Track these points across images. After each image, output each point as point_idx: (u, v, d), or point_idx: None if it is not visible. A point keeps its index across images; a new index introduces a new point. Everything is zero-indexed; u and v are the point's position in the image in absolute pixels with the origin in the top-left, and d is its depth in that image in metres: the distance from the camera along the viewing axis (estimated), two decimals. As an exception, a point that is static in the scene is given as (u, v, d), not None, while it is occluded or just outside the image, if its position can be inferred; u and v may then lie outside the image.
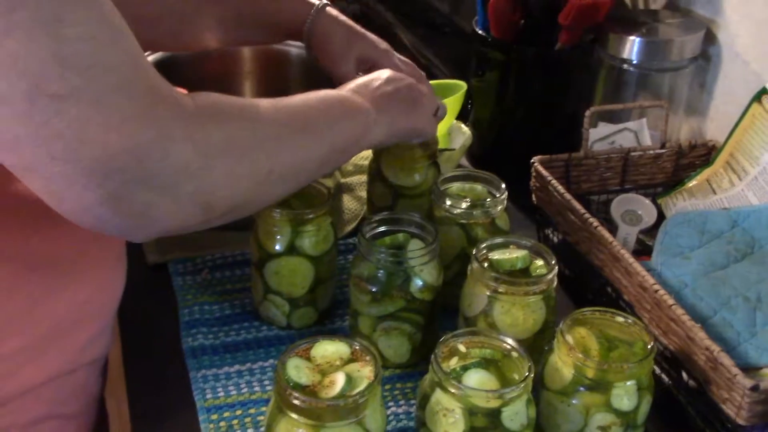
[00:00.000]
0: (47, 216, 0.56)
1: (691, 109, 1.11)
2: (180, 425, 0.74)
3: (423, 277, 0.77)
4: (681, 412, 0.75)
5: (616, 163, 0.99)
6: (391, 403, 0.77)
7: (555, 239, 0.95)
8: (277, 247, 0.81)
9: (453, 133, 1.19)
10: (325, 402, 0.57)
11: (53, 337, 0.70)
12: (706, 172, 1.00)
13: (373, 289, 0.76)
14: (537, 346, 0.73)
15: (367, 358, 0.61)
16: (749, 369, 0.74)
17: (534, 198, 0.97)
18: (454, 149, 1.11)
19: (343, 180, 1.12)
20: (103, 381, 0.84)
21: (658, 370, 0.77)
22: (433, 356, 0.62)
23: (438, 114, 0.86)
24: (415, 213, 0.81)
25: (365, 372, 0.60)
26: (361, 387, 0.58)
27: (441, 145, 1.12)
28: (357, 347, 0.63)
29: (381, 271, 0.76)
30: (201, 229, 0.61)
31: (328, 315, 0.87)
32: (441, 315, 0.81)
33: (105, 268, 0.78)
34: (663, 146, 1.00)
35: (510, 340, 0.64)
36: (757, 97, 0.93)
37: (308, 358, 0.62)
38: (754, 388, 0.63)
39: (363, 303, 0.78)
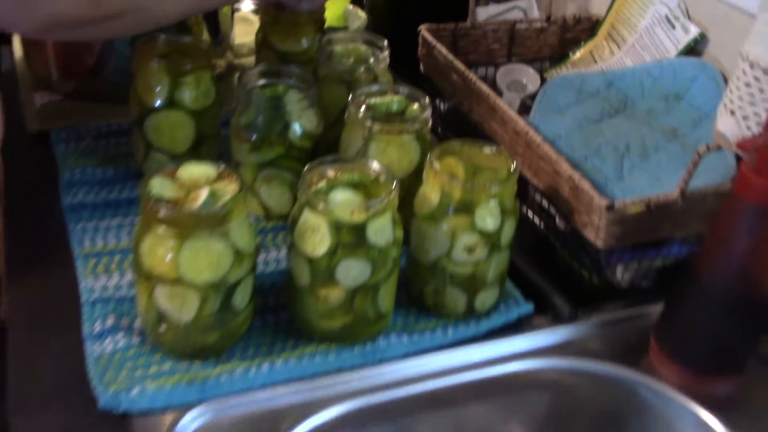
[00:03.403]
0: None
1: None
2: (57, 270, 0.74)
3: (302, 123, 0.77)
4: (554, 254, 0.78)
5: (503, 35, 1.01)
6: (273, 250, 0.78)
7: (442, 107, 0.97)
8: (157, 101, 0.80)
9: (349, 17, 1.20)
10: (188, 211, 0.58)
11: None
12: (590, 45, 1.03)
13: (252, 137, 0.77)
14: (412, 189, 0.74)
15: (233, 177, 0.62)
16: (615, 207, 0.78)
17: (422, 67, 0.98)
18: (347, 30, 1.11)
19: (236, 61, 1.11)
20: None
21: (531, 216, 0.80)
22: (301, 179, 0.63)
23: None
24: (295, 66, 0.81)
25: (230, 189, 0.61)
26: (224, 199, 0.59)
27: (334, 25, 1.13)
28: (223, 169, 0.63)
29: (260, 118, 0.76)
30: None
31: (214, 175, 0.86)
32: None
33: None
34: (548, 19, 1.02)
35: (377, 165, 0.66)
36: (635, -35, 0.96)
37: (174, 178, 0.62)
38: (610, 207, 0.67)
39: (243, 151, 0.78)
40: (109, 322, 0.66)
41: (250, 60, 1.09)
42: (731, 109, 0.68)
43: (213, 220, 0.58)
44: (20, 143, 0.92)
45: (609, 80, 0.92)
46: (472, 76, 0.85)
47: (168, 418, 0.60)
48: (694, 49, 0.92)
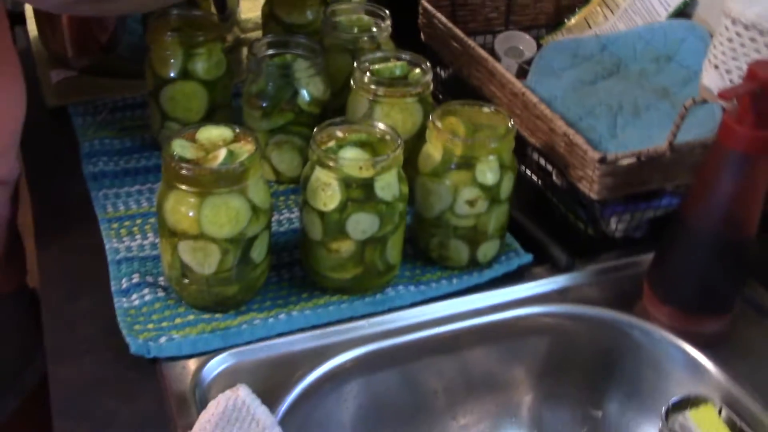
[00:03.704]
0: None
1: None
2: (83, 234, 0.78)
3: (310, 90, 0.81)
4: (551, 209, 0.83)
5: (501, 3, 1.05)
6: (285, 211, 0.82)
7: (443, 75, 1.01)
8: (171, 73, 0.84)
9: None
10: (209, 169, 0.62)
11: None
12: (585, 11, 1.06)
13: (263, 104, 0.81)
14: (415, 150, 0.78)
15: (249, 138, 0.66)
16: (608, 163, 0.82)
17: (423, 36, 1.02)
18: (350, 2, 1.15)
19: (243, 35, 1.15)
20: (14, 209, 0.87)
21: (529, 174, 0.85)
22: (311, 139, 0.67)
23: None
24: (301, 36, 0.85)
25: (246, 149, 0.65)
26: (242, 158, 0.63)
27: None
28: (239, 131, 0.67)
29: (270, 86, 0.80)
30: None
31: (226, 143, 0.91)
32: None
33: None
34: (544, -14, 1.06)
35: (383, 125, 0.70)
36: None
37: (193, 140, 0.66)
38: (602, 160, 0.71)
39: (255, 118, 0.82)
40: (135, 279, 0.71)
41: (257, 34, 1.13)
42: (715, 64, 0.72)
43: (231, 178, 0.62)
44: (40, 118, 0.97)
45: (603, 44, 0.96)
46: (471, 42, 0.89)
47: (194, 363, 0.65)
48: (683, 11, 0.95)
